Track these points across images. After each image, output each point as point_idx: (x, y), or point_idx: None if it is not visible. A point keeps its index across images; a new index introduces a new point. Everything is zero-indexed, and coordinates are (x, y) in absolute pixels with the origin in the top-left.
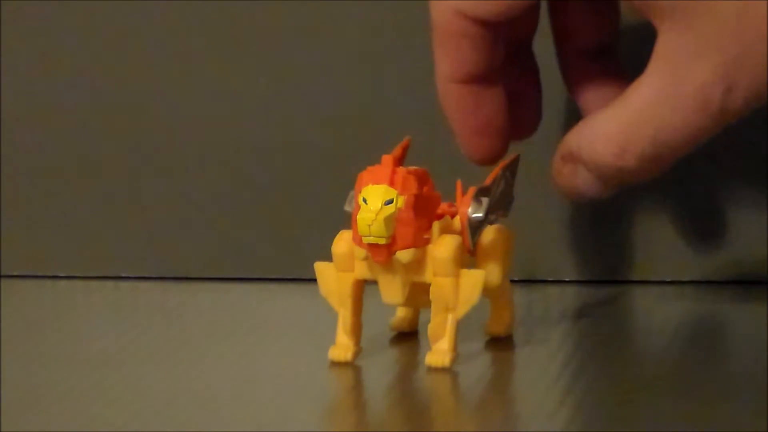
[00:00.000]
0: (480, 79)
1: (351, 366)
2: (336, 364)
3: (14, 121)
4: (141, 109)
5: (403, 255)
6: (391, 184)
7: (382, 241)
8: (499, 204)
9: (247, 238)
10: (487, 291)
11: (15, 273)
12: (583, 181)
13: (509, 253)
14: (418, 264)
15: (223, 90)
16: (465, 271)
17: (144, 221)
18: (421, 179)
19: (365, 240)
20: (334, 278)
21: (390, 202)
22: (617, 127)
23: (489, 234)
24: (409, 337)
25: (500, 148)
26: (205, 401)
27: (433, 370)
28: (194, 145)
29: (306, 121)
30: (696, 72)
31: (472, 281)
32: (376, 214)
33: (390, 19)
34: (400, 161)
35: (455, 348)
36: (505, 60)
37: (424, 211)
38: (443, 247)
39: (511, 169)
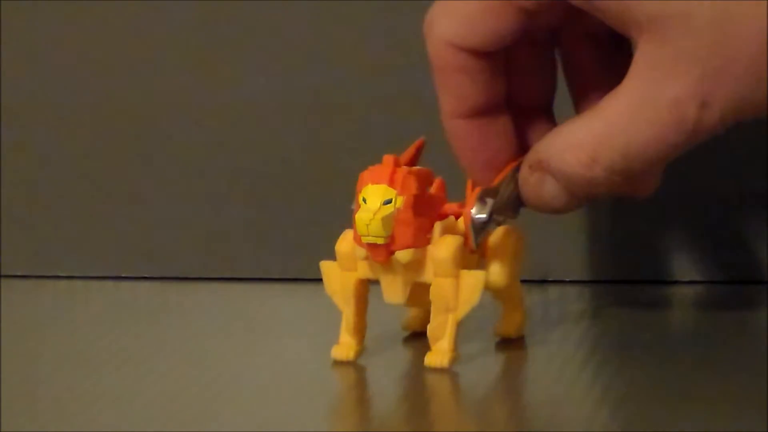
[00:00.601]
0: (483, 113)
1: (354, 365)
2: (338, 363)
3: (14, 121)
4: (141, 108)
5: (402, 255)
6: (391, 183)
7: (381, 241)
8: (508, 205)
9: (247, 238)
10: (496, 292)
11: (15, 273)
12: (549, 192)
13: (519, 254)
14: (418, 264)
15: (223, 89)
16: (465, 272)
17: (144, 221)
18: (424, 179)
19: (364, 239)
20: (338, 277)
21: (389, 201)
22: (588, 137)
23: (497, 235)
24: (419, 336)
25: None
26: (205, 401)
27: (433, 370)
28: (194, 144)
29: (307, 121)
30: (671, 85)
31: (473, 282)
32: (374, 214)
33: (395, 19)
34: (413, 161)
35: (455, 348)
36: (523, 125)
37: (425, 211)
38: (443, 247)
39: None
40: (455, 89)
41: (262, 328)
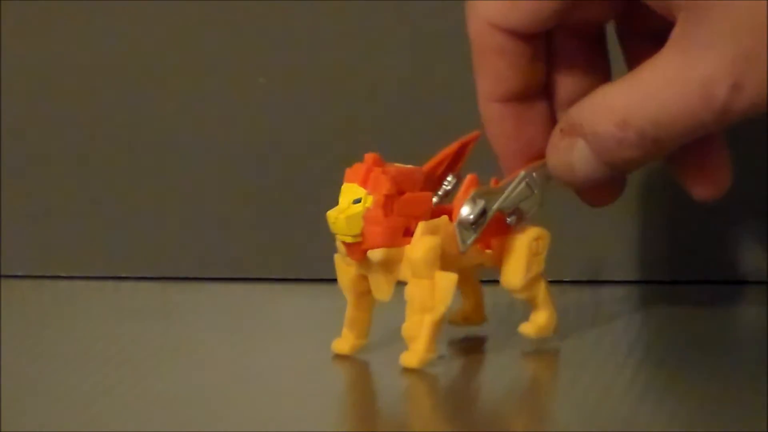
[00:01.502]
0: (520, 98)
1: (356, 363)
2: (340, 362)
3: (14, 122)
4: (141, 109)
5: (374, 254)
6: (363, 183)
7: (349, 239)
8: (517, 206)
9: (247, 238)
10: (514, 293)
11: (15, 273)
12: (579, 159)
13: (538, 255)
14: (396, 263)
15: (222, 89)
16: (440, 273)
17: (144, 221)
18: (405, 179)
19: (337, 237)
20: (343, 271)
21: (358, 201)
22: (622, 100)
23: (513, 235)
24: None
25: None
26: (204, 401)
27: (408, 370)
28: (194, 144)
29: (307, 121)
30: (704, 63)
31: (446, 284)
32: (339, 213)
33: (399, 17)
34: (457, 157)
35: (431, 349)
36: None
37: (402, 210)
38: (417, 248)
39: (540, 172)
40: (493, 71)
41: (262, 328)
